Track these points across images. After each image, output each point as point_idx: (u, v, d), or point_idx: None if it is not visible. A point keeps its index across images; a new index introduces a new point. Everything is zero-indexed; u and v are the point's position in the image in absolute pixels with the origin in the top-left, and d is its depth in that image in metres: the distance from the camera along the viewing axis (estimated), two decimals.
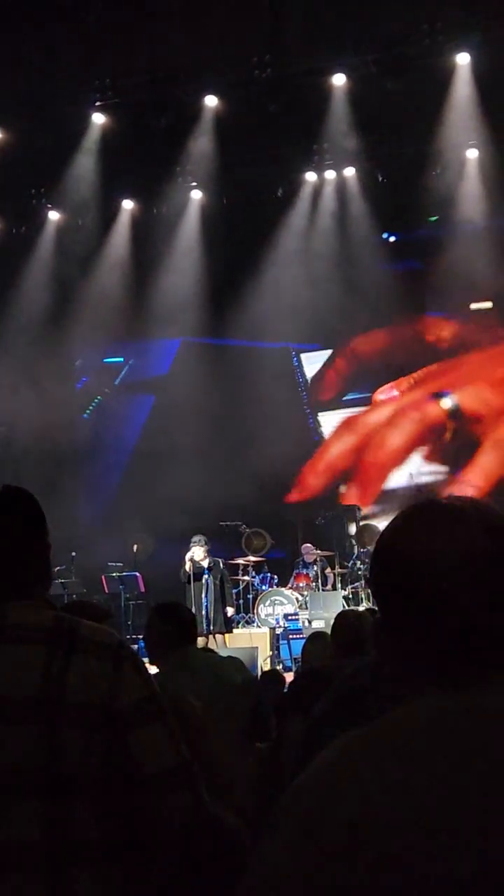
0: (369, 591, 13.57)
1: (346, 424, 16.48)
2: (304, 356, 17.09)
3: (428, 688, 1.26)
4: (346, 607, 13.39)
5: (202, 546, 12.71)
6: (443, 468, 15.57)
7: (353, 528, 14.98)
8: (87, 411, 17.50)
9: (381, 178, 14.65)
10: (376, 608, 1.40)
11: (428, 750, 1.20)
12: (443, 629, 1.26)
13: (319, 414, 17.02)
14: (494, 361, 15.32)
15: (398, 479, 15.54)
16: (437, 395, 15.55)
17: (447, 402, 15.35)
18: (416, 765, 1.18)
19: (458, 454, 15.29)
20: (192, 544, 12.80)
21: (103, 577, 14.41)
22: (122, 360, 17.69)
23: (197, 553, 12.62)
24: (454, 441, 15.40)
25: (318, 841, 1.18)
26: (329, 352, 16.86)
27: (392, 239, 15.66)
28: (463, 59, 12.94)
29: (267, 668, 11.01)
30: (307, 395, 17.08)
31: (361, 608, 11.85)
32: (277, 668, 10.77)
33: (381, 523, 14.76)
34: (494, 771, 1.17)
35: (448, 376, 15.74)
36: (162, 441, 15.73)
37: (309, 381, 17.09)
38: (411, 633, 1.29)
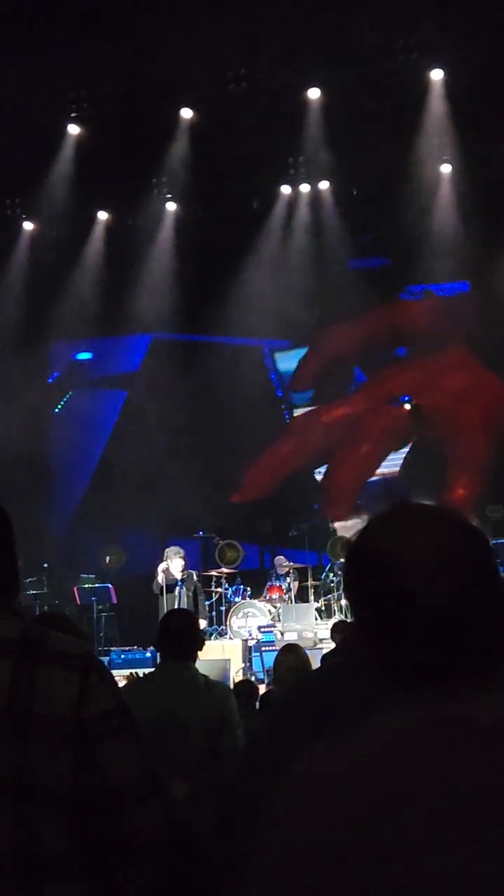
0: (342, 603, 13.60)
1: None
2: (277, 355, 17.12)
3: (404, 695, 1.25)
4: (319, 619, 13.42)
5: (180, 558, 12.69)
6: (409, 472, 15.68)
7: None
8: (59, 406, 17.39)
9: (354, 192, 14.73)
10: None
11: (409, 762, 1.18)
12: (419, 633, 1.25)
13: (296, 411, 17.10)
14: (456, 364, 15.43)
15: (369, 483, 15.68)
16: (399, 400, 15.69)
17: (408, 406, 15.51)
18: (393, 778, 1.17)
19: (424, 456, 15.41)
20: (168, 556, 12.76)
21: (75, 588, 14.35)
22: (91, 355, 17.62)
23: (175, 564, 12.58)
24: (418, 445, 15.55)
25: (296, 860, 1.16)
26: (303, 349, 16.94)
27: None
28: (437, 76, 13.07)
29: (240, 678, 10.99)
30: (281, 392, 17.12)
31: (333, 621, 11.87)
32: (250, 678, 10.74)
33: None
34: (474, 784, 1.15)
35: (409, 377, 15.83)
36: (133, 447, 15.66)
37: (284, 378, 17.11)
38: (387, 637, 1.28)
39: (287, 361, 17.09)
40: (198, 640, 4.50)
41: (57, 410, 17.27)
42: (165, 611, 12.16)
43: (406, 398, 15.58)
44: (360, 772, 1.19)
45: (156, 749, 3.76)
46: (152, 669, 8.15)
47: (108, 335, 16.66)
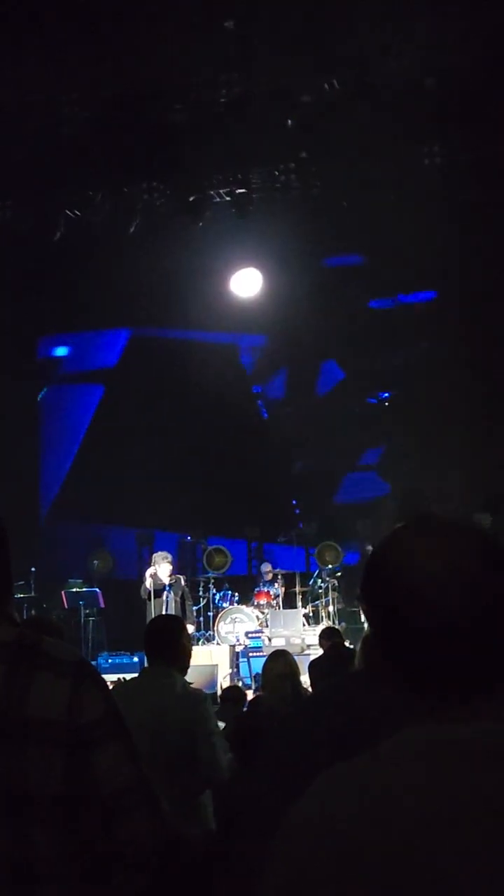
0: (330, 609, 13.63)
1: None
2: (251, 349, 17.16)
3: (420, 715, 1.26)
4: (307, 626, 13.42)
5: (168, 563, 12.69)
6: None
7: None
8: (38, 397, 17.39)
9: (344, 201, 14.75)
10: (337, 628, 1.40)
11: (424, 782, 1.19)
12: (440, 649, 1.25)
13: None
14: None
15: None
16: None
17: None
18: (408, 798, 1.18)
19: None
20: (156, 560, 12.76)
21: (63, 592, 14.32)
22: (67, 350, 17.59)
23: (163, 570, 12.58)
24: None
25: (308, 874, 1.17)
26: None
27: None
28: (428, 83, 13.09)
29: (227, 684, 10.98)
30: (259, 387, 17.15)
31: (321, 627, 11.88)
32: (237, 684, 10.74)
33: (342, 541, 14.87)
34: (486, 806, 1.16)
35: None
36: (112, 445, 15.65)
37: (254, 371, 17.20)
38: (405, 652, 1.29)
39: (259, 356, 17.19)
40: (178, 646, 4.43)
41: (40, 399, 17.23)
42: (153, 615, 12.23)
43: (385, 395, 15.72)
44: (383, 788, 1.19)
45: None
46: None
47: (85, 330, 16.65)
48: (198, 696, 4.45)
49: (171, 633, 4.46)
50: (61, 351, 17.52)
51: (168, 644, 4.40)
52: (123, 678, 6.01)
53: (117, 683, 5.66)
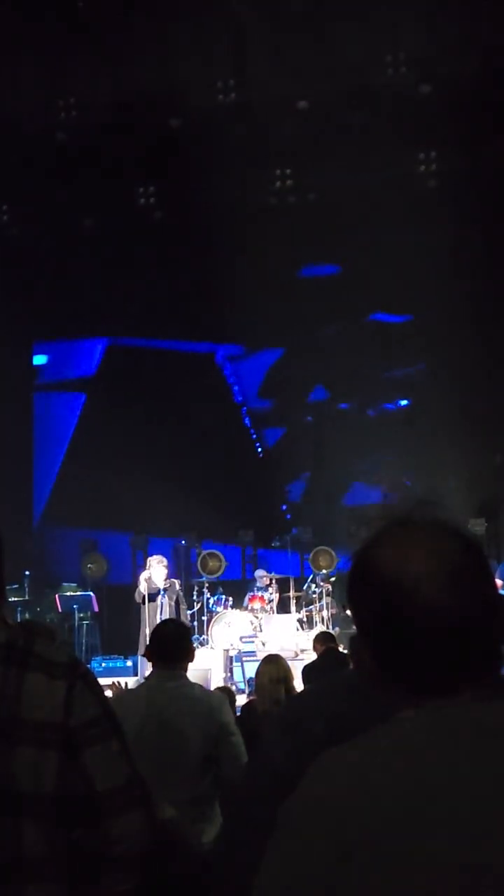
0: (324, 613, 13.62)
1: None
2: (232, 360, 17.18)
3: (411, 705, 1.28)
4: (300, 630, 13.41)
5: (163, 567, 12.67)
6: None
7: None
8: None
9: (341, 207, 14.77)
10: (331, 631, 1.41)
11: (414, 766, 1.21)
12: (421, 646, 1.28)
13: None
14: None
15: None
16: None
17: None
18: (404, 780, 1.20)
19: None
20: (151, 564, 12.74)
21: (57, 596, 14.30)
22: (46, 359, 17.59)
23: (158, 574, 12.57)
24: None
25: (308, 859, 1.19)
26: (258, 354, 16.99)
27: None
28: (425, 89, 13.13)
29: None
30: (240, 397, 17.17)
31: (315, 631, 11.88)
32: (230, 686, 10.73)
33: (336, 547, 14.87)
34: (481, 786, 1.18)
35: None
36: (104, 447, 15.64)
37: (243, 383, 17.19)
38: (390, 650, 1.31)
39: (242, 366, 17.18)
40: (192, 651, 4.55)
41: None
42: (147, 619, 12.23)
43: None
44: (374, 772, 1.22)
45: (155, 759, 3.80)
46: (135, 678, 8.16)
47: (64, 339, 16.66)
48: (221, 698, 4.51)
49: (188, 640, 4.57)
50: (40, 359, 17.51)
51: (186, 650, 4.48)
52: (118, 682, 5.99)
53: (116, 687, 5.66)
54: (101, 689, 2.10)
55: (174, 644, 4.47)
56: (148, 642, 4.56)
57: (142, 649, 12.31)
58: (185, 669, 4.50)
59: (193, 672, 10.58)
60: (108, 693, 3.38)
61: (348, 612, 1.50)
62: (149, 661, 4.59)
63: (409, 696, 1.29)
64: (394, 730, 1.27)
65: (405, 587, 1.29)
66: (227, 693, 7.60)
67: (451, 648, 1.27)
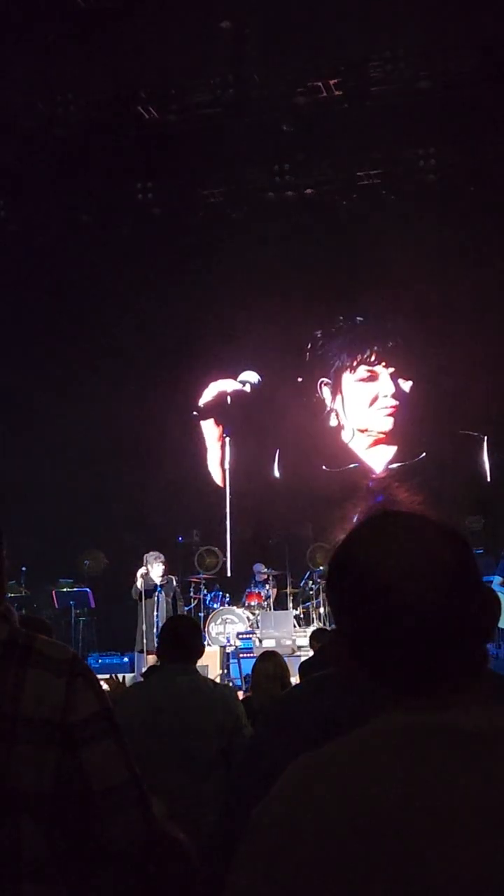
0: (321, 610, 13.62)
1: None
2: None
3: (390, 705, 1.24)
4: (298, 627, 13.42)
5: (161, 563, 12.68)
6: None
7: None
8: None
9: (343, 202, 14.77)
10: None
11: (392, 768, 1.17)
12: (402, 644, 1.24)
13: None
14: None
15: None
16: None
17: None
18: (382, 782, 1.16)
19: None
20: (148, 560, 12.74)
21: (53, 592, 14.30)
22: None
23: (155, 570, 12.57)
24: None
25: (283, 867, 1.15)
26: None
27: None
28: (423, 85, 13.12)
29: None
30: None
31: (311, 628, 11.89)
32: (227, 683, 10.74)
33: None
34: (460, 789, 1.15)
35: None
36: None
37: None
38: (370, 648, 1.27)
39: None
40: (203, 647, 4.63)
41: None
42: (144, 616, 12.23)
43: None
44: (350, 777, 1.18)
45: (172, 755, 3.81)
46: (131, 674, 8.15)
47: None
48: (231, 690, 4.57)
49: (200, 636, 4.67)
50: None
51: (199, 646, 4.55)
52: (116, 676, 5.98)
53: (114, 681, 5.65)
54: (101, 687, 2.09)
55: (190, 639, 4.51)
56: (158, 637, 4.56)
57: (139, 645, 12.32)
58: (195, 664, 4.54)
59: None
60: (105, 687, 3.39)
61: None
62: (157, 655, 4.57)
63: (388, 696, 1.26)
64: (371, 732, 1.23)
65: (384, 583, 1.25)
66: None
67: (431, 648, 1.23)
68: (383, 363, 15.86)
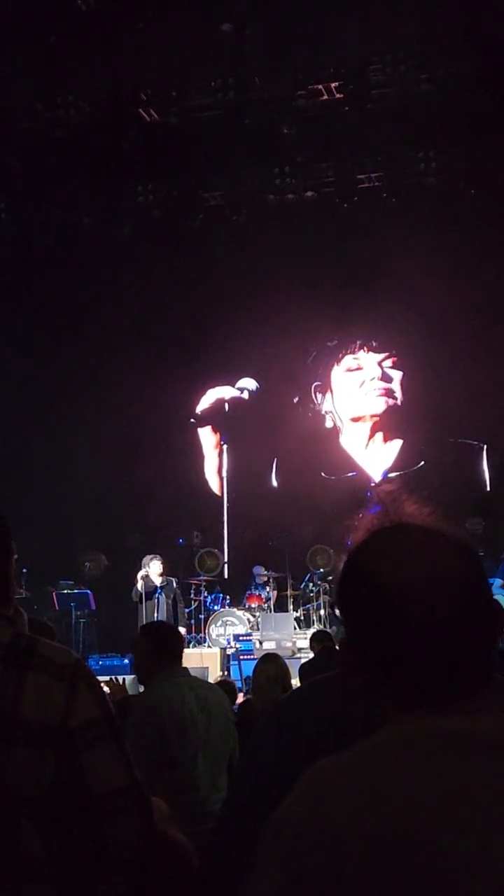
0: (321, 612, 13.62)
1: None
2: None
3: (402, 712, 1.26)
4: (298, 629, 13.42)
5: (158, 562, 12.68)
6: None
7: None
8: None
9: (343, 203, 14.76)
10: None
11: (409, 774, 1.19)
12: (415, 655, 1.25)
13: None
14: None
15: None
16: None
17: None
18: (400, 788, 1.17)
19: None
20: (148, 562, 12.74)
21: (54, 593, 14.29)
22: None
23: (155, 570, 12.57)
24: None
25: (305, 871, 1.16)
26: None
27: None
28: (424, 87, 13.14)
29: None
30: None
31: (312, 630, 11.88)
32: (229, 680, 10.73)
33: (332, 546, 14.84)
34: (475, 795, 1.16)
35: None
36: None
37: None
38: (382, 658, 1.28)
39: None
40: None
41: None
42: (145, 618, 12.22)
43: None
44: (370, 781, 1.19)
45: (215, 752, 4.07)
46: (131, 676, 8.15)
47: None
48: (232, 684, 4.72)
49: (177, 634, 4.75)
50: None
51: (179, 645, 4.63)
52: (116, 678, 5.98)
53: (113, 683, 5.65)
54: (102, 691, 2.09)
55: (181, 643, 4.64)
56: (156, 643, 4.54)
57: None
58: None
59: (191, 671, 10.62)
60: (105, 689, 3.40)
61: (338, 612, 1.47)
62: (153, 666, 4.52)
63: (399, 704, 1.27)
64: (388, 738, 1.24)
65: (397, 594, 1.26)
66: (229, 687, 7.64)
67: (442, 657, 1.25)
68: (364, 348, 15.85)
